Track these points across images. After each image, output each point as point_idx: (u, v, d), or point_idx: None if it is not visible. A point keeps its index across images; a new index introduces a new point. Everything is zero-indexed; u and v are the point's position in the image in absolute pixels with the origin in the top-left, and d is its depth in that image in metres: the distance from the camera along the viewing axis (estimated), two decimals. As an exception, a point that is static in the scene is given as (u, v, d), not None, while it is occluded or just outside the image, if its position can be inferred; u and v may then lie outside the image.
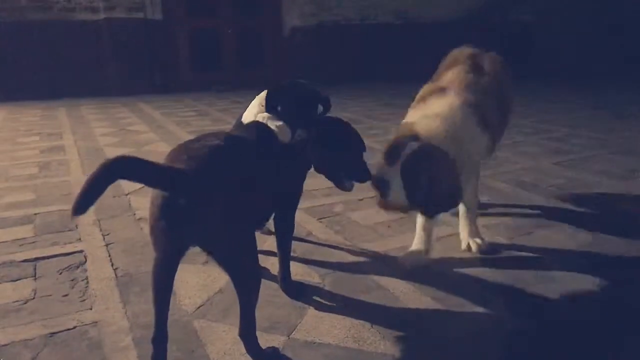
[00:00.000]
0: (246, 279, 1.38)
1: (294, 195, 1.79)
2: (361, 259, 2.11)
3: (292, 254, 1.88)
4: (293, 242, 1.86)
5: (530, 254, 2.13)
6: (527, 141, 4.29)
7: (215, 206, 1.24)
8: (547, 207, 2.68)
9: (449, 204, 1.84)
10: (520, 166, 3.51)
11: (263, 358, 1.45)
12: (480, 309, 1.71)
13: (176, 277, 1.35)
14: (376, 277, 1.93)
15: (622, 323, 1.64)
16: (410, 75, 8.76)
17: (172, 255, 1.30)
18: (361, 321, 1.64)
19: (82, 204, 1.12)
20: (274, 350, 1.48)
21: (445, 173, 1.75)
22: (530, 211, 2.63)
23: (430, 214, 1.90)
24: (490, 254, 2.12)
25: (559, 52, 10.12)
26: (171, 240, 1.26)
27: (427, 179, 1.72)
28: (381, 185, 1.81)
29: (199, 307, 1.73)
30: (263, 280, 1.88)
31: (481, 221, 2.46)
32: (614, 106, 6.22)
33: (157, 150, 4.06)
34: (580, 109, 6.09)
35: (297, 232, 1.98)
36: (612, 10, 10.21)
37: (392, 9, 9.21)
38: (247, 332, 1.42)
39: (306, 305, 1.74)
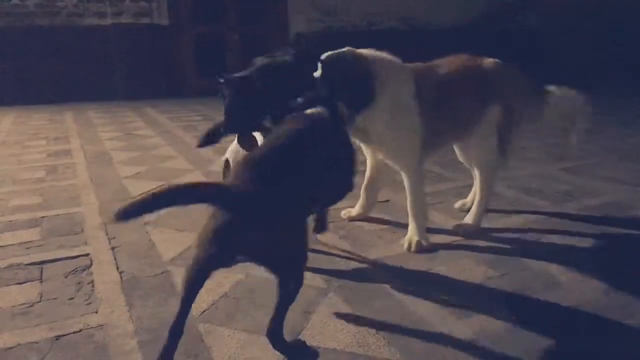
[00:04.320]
0: (293, 284, 1.46)
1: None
2: (366, 264, 2.11)
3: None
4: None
5: (537, 260, 2.11)
6: (532, 146, 4.28)
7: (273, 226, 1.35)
8: (554, 213, 2.67)
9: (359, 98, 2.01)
10: (526, 172, 3.50)
11: (289, 351, 1.47)
12: (485, 315, 1.70)
13: (180, 281, 1.36)
14: (381, 283, 1.93)
15: (629, 332, 1.63)
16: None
17: (216, 266, 1.39)
18: (366, 327, 1.64)
19: (129, 213, 1.25)
20: (299, 343, 1.52)
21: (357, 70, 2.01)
22: (537, 217, 2.62)
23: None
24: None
25: (565, 57, 10.10)
26: (222, 255, 1.35)
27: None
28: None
29: (204, 311, 1.73)
30: (269, 286, 1.89)
31: (487, 227, 2.46)
32: (620, 112, 6.19)
33: (163, 154, 4.08)
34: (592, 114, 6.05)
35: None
36: (615, 15, 10.17)
37: (398, 15, 9.23)
38: (278, 328, 1.45)
39: (311, 310, 1.73)
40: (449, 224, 2.48)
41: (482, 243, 2.29)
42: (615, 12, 10.21)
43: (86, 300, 1.82)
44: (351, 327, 1.63)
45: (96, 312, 1.74)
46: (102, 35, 7.54)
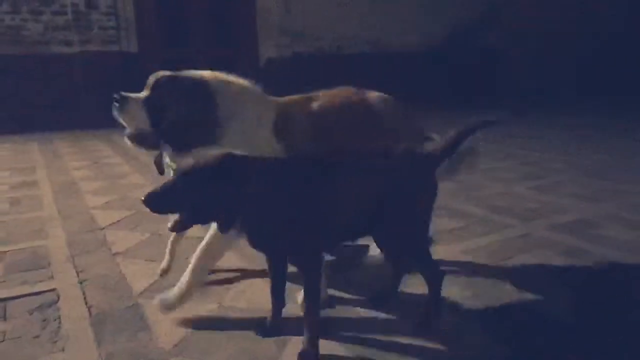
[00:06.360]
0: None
1: None
2: (334, 290, 2.09)
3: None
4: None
5: (509, 279, 2.14)
6: (500, 167, 4.38)
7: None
8: (524, 232, 2.72)
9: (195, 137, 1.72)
10: (494, 191, 3.57)
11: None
12: (460, 336, 1.71)
13: (151, 314, 1.32)
14: (353, 307, 1.92)
15: (602, 346, 1.66)
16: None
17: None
18: (341, 352, 1.62)
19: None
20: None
21: (193, 99, 1.73)
22: (508, 236, 2.67)
23: (177, 145, 1.75)
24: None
25: (531, 75, 10.47)
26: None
27: (174, 101, 1.72)
28: (119, 102, 1.76)
29: (175, 345, 1.68)
30: (243, 316, 1.86)
31: (460, 246, 2.49)
32: (582, 130, 6.42)
33: (132, 183, 4.01)
34: (553, 133, 6.26)
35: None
36: (586, 35, 10.64)
37: (366, 39, 9.42)
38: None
39: (287, 338, 1.71)
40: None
41: (458, 263, 2.31)
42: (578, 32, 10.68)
43: (52, 338, 1.75)
44: (326, 355, 1.61)
45: (63, 351, 1.67)
46: (69, 64, 7.44)
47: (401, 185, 1.65)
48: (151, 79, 1.81)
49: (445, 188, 3.57)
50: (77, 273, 2.28)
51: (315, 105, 1.94)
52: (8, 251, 2.56)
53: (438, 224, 2.85)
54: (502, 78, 10.34)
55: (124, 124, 1.80)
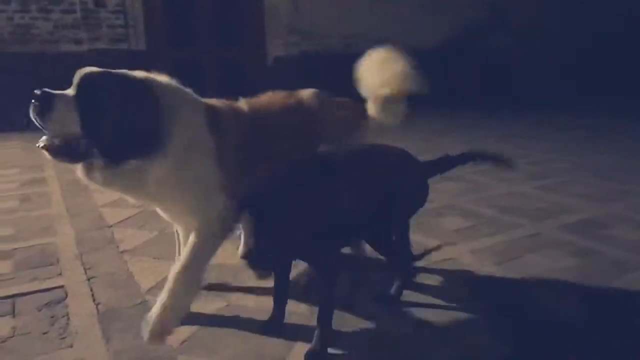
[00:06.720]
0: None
1: None
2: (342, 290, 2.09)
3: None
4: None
5: (518, 279, 2.13)
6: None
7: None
8: (532, 231, 2.70)
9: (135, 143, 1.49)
10: (502, 191, 3.55)
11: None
12: (467, 337, 1.70)
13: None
14: (360, 307, 1.91)
15: (607, 349, 1.65)
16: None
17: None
18: (348, 352, 1.62)
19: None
20: None
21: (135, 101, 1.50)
22: (515, 236, 2.65)
23: (113, 156, 1.50)
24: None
25: (537, 76, 10.40)
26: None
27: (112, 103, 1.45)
28: (41, 101, 1.45)
29: (183, 342, 1.69)
30: (250, 314, 1.86)
31: (467, 246, 2.48)
32: (590, 130, 6.37)
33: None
34: (559, 133, 6.22)
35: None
36: (586, 35, 10.56)
37: (374, 38, 9.35)
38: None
39: (296, 337, 1.71)
40: (430, 243, 2.50)
41: (464, 263, 2.30)
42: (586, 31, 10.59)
43: (61, 334, 1.76)
44: (332, 356, 1.61)
45: (71, 347, 1.68)
46: (78, 61, 7.47)
47: (401, 186, 1.75)
48: (79, 75, 1.52)
49: (452, 188, 3.57)
50: (85, 270, 2.29)
51: (243, 103, 1.88)
52: (17, 248, 2.59)
53: (446, 223, 2.85)
54: (507, 79, 10.28)
55: (45, 127, 1.49)
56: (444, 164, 1.99)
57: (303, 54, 8.87)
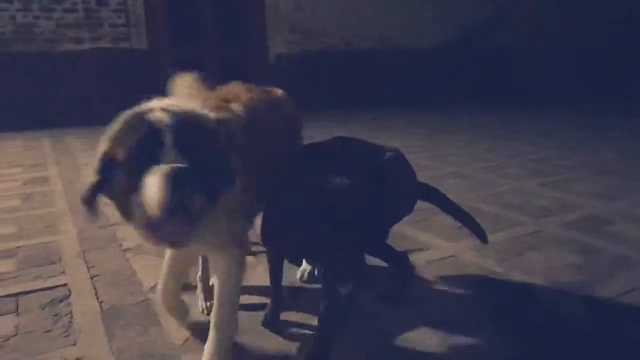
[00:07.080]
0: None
1: None
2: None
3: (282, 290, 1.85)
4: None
5: (520, 277, 2.13)
6: (510, 163, 4.35)
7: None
8: (535, 229, 2.70)
9: None
10: (505, 188, 3.55)
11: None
12: (473, 335, 1.70)
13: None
14: (363, 307, 1.92)
15: (611, 347, 1.65)
16: (394, 100, 8.91)
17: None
18: (352, 354, 1.62)
19: None
20: None
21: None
22: (517, 233, 2.65)
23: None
24: None
25: (540, 74, 10.38)
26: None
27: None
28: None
29: (187, 340, 1.70)
30: (252, 314, 1.86)
31: (470, 243, 2.48)
32: (593, 128, 6.36)
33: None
34: (563, 131, 6.22)
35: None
36: (587, 32, 10.53)
37: (375, 36, 9.39)
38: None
39: (298, 335, 1.71)
40: (431, 240, 2.49)
41: (466, 261, 2.30)
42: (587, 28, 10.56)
43: (64, 332, 1.77)
44: (336, 356, 1.61)
45: (74, 345, 1.69)
46: (80, 60, 7.49)
47: (392, 187, 1.77)
48: (172, 120, 1.31)
49: (455, 185, 3.57)
50: (88, 268, 2.30)
51: (237, 106, 1.68)
52: (20, 246, 2.59)
53: (448, 220, 2.84)
54: (508, 77, 10.26)
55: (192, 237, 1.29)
56: (422, 194, 2.05)
57: (304, 52, 8.86)
